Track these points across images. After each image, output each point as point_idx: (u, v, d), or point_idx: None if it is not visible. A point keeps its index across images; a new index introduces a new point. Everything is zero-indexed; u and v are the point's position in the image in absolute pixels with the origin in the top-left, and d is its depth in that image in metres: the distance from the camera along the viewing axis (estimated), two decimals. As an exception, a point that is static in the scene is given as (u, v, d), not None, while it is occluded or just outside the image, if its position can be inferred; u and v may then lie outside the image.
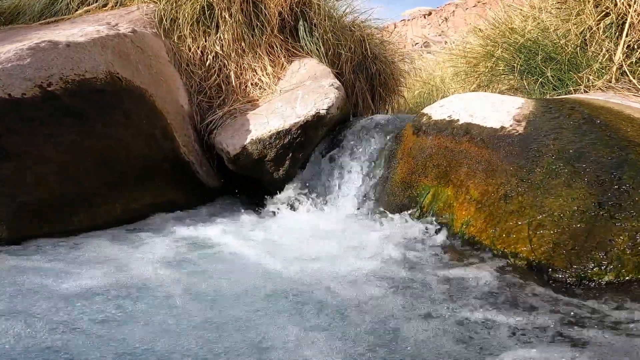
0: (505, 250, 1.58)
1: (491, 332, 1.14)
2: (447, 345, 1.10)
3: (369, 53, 4.19)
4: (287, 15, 3.58)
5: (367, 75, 4.20)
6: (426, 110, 2.54)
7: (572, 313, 1.22)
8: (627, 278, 1.33)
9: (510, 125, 2.05)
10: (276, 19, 3.53)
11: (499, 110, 2.20)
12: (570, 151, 1.74)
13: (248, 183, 2.83)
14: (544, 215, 1.55)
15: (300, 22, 3.66)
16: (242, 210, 2.49)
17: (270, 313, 1.24)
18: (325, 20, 3.74)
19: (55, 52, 2.07)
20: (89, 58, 2.17)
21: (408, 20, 12.11)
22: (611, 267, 1.36)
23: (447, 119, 2.32)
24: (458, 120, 2.26)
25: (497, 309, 1.25)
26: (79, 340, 1.08)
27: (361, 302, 1.31)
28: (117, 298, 1.32)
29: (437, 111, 2.45)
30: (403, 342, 1.11)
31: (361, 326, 1.17)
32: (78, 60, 2.12)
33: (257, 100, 3.24)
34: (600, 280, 1.36)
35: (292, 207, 2.56)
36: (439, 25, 11.61)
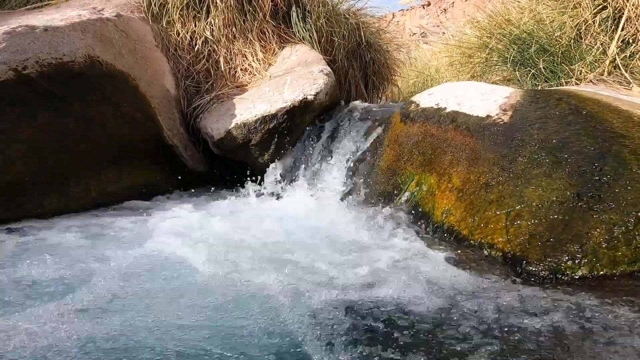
0: (482, 240, 1.55)
1: (454, 326, 1.11)
2: (407, 339, 1.07)
3: (363, 41, 4.14)
4: (280, 1, 3.52)
5: (360, 63, 4.15)
6: (415, 98, 2.51)
7: (541, 308, 1.17)
8: (601, 272, 1.29)
9: (496, 115, 2.02)
10: (269, 5, 3.47)
11: (487, 99, 2.17)
12: (554, 141, 1.71)
13: (235, 167, 2.80)
14: (522, 205, 1.52)
15: (293, 8, 3.60)
16: (226, 196, 2.46)
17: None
18: (319, 6, 3.68)
19: (32, 36, 2.03)
20: (68, 42, 2.13)
21: (407, 10, 11.97)
22: (585, 260, 1.32)
23: (435, 106, 2.29)
24: (445, 108, 2.23)
25: (465, 302, 1.21)
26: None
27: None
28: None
29: (425, 99, 2.42)
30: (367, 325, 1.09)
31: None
32: (56, 44, 2.08)
33: (247, 85, 3.20)
34: (573, 274, 1.32)
35: (276, 193, 2.54)
36: (438, 16, 11.46)
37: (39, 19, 2.39)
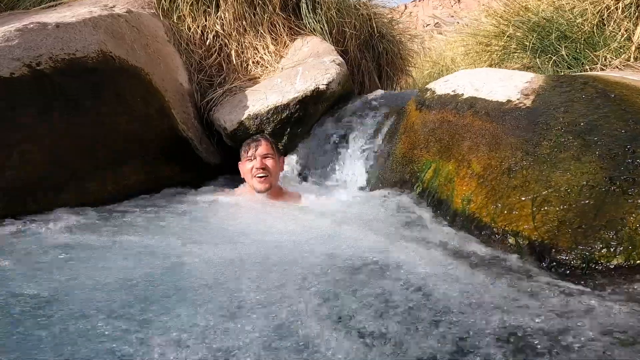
0: (506, 228, 1.48)
1: (483, 318, 1.04)
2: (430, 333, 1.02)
3: (376, 31, 4.07)
4: (289, -7, 3.48)
5: (373, 54, 4.09)
6: (430, 85, 2.45)
7: (573, 300, 1.10)
8: (638, 262, 1.20)
9: (518, 99, 1.95)
10: (278, -3, 3.42)
11: (506, 84, 2.10)
12: (582, 124, 1.62)
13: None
14: (549, 190, 1.45)
15: (303, 0, 3.55)
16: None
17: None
18: (328, -3, 3.62)
19: (44, 32, 2.04)
20: (80, 38, 2.14)
21: (419, 1, 11.79)
22: (621, 248, 1.23)
23: (452, 93, 2.23)
24: (463, 94, 2.16)
25: (490, 294, 1.15)
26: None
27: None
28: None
29: (441, 86, 2.35)
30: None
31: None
32: (68, 40, 2.09)
33: (259, 78, 3.18)
34: (608, 263, 1.23)
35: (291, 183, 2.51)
36: (451, 6, 11.25)
37: (51, 16, 2.40)
